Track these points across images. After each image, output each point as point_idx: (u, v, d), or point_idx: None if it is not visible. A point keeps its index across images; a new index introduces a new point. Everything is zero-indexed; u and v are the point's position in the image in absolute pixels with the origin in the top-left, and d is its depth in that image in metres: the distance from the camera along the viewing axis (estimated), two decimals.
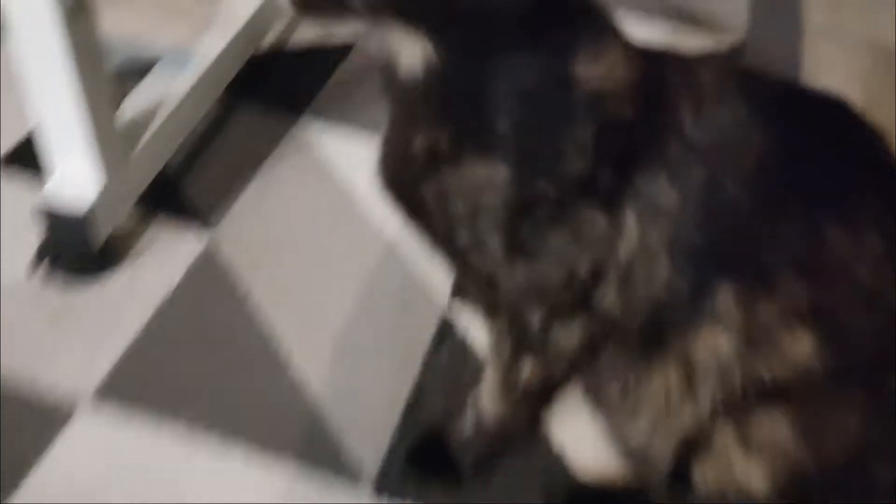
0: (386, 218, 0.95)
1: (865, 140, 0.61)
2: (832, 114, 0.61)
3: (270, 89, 1.11)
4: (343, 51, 1.18)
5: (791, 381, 0.58)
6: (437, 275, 0.89)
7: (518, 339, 0.64)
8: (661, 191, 0.56)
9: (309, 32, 1.21)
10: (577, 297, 0.59)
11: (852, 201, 0.57)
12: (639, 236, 0.56)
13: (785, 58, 1.25)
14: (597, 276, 0.58)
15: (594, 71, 0.54)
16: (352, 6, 0.50)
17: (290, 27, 1.21)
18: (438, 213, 0.58)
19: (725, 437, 0.60)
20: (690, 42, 1.25)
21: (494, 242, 0.57)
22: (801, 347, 0.57)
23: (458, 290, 0.87)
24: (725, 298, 0.57)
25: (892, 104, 1.20)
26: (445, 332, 0.86)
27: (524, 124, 0.54)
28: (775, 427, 0.59)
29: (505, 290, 0.60)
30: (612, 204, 0.56)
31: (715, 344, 0.58)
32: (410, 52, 0.53)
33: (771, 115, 0.58)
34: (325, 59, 1.17)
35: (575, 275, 0.58)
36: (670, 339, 0.59)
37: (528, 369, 0.65)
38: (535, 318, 0.61)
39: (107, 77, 0.79)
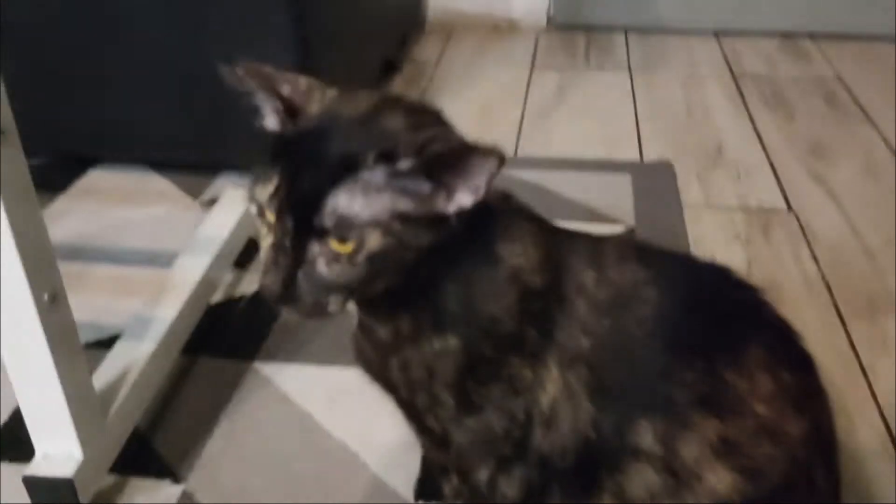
0: (347, 432, 1.04)
1: (746, 296, 0.72)
2: (717, 275, 0.73)
3: (224, 339, 1.22)
4: None
5: None
6: (401, 471, 0.97)
7: (469, 499, 0.73)
8: (576, 340, 0.67)
9: (254, 280, 1.34)
10: (516, 446, 0.68)
11: (741, 348, 0.67)
12: (562, 381, 0.67)
13: (672, 235, 1.42)
14: (530, 420, 0.67)
15: (512, 250, 0.67)
16: None
17: (237, 280, 1.35)
18: (402, 381, 0.69)
19: None
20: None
21: (447, 399, 0.68)
22: (720, 481, 0.65)
23: (421, 491, 0.95)
24: (647, 435, 0.65)
25: (769, 259, 1.38)
26: None
27: (468, 301, 0.66)
28: None
29: (457, 446, 0.70)
30: (536, 357, 0.67)
31: (645, 479, 0.66)
32: None
33: (665, 278, 0.69)
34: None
35: (515, 420, 0.67)
36: (604, 478, 0.67)
37: None
38: (482, 475, 0.71)
39: (82, 357, 0.89)
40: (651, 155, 1.73)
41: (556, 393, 0.67)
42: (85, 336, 0.91)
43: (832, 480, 0.71)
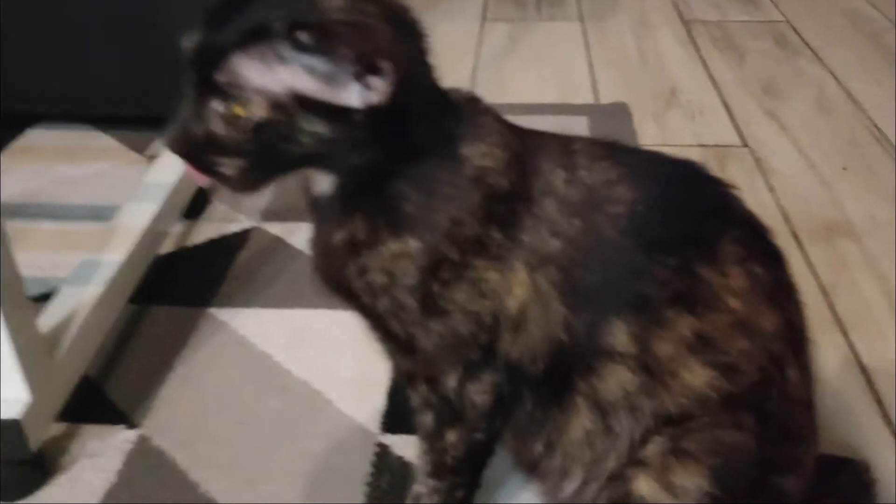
0: (309, 370, 1.02)
1: (716, 191, 0.70)
2: (688, 171, 0.71)
3: (176, 287, 1.18)
4: (240, 239, 1.28)
5: (691, 409, 0.64)
6: (366, 405, 0.94)
7: (439, 407, 0.70)
8: (545, 242, 0.65)
9: (207, 230, 1.30)
10: (484, 351, 0.66)
11: (713, 243, 0.65)
12: (530, 284, 0.64)
13: None
14: (498, 324, 0.65)
15: (477, 150, 0.65)
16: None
17: (188, 228, 1.30)
18: (362, 288, 0.66)
19: (648, 472, 0.66)
20: None
21: (411, 303, 0.65)
22: (696, 377, 0.64)
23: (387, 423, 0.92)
24: (621, 335, 0.64)
25: None
26: (382, 458, 0.90)
27: (428, 203, 0.64)
28: (687, 456, 0.65)
29: (423, 350, 0.67)
30: (502, 259, 0.64)
31: (620, 379, 0.65)
32: (324, 180, 0.65)
33: (636, 175, 0.67)
34: (224, 251, 1.25)
35: (481, 324, 0.65)
36: (577, 382, 0.66)
37: (452, 436, 0.71)
38: (450, 381, 0.68)
39: (26, 301, 0.85)
40: (606, 100, 1.72)
41: (524, 296, 0.65)
42: (29, 290, 0.87)
43: (805, 376, 0.70)
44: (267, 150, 0.60)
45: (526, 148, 0.67)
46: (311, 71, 0.57)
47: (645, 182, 0.67)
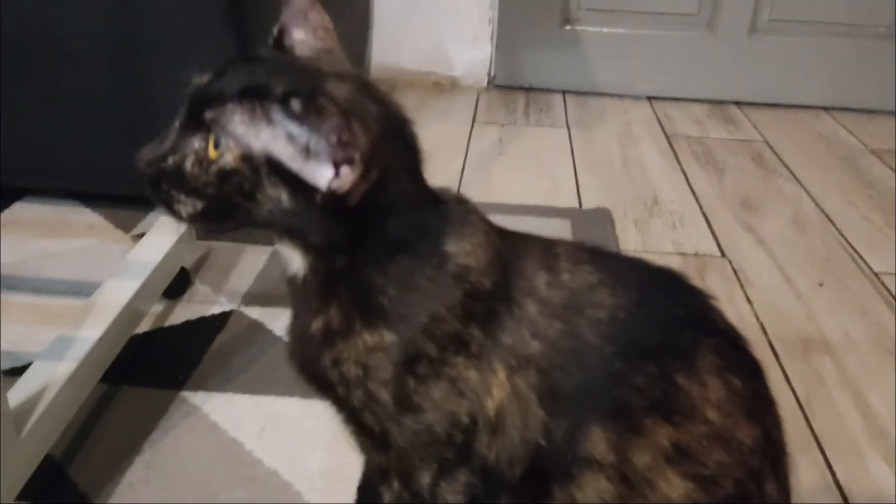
0: (280, 460, 0.99)
1: (696, 301, 0.71)
2: (669, 279, 0.72)
3: (150, 368, 1.16)
4: (219, 322, 1.27)
5: None
6: (337, 498, 0.92)
7: None
8: (525, 343, 0.65)
9: (186, 311, 1.29)
10: (459, 450, 0.65)
11: (693, 353, 0.65)
12: (509, 386, 0.64)
13: None
14: (475, 424, 0.64)
15: (461, 249, 0.65)
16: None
17: (168, 308, 1.29)
18: (336, 379, 0.65)
19: None
20: None
21: (385, 398, 0.64)
22: (673, 489, 0.63)
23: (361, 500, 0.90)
24: (599, 442, 0.63)
25: None
26: None
27: (404, 297, 0.64)
28: None
29: (397, 447, 0.66)
30: (481, 358, 0.64)
31: (598, 488, 0.63)
32: (296, 259, 0.66)
33: (618, 281, 0.68)
34: (202, 333, 1.24)
35: (458, 424, 0.64)
36: (555, 490, 0.65)
37: None
38: (424, 479, 0.67)
39: None
40: (589, 204, 1.75)
41: (503, 398, 0.65)
42: (1, 364, 0.85)
43: (783, 491, 0.69)
44: (225, 200, 0.62)
45: (509, 249, 0.68)
46: (290, 138, 0.59)
47: (626, 288, 0.68)
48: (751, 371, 0.69)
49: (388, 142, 0.62)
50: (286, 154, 0.59)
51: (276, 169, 0.60)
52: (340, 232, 0.63)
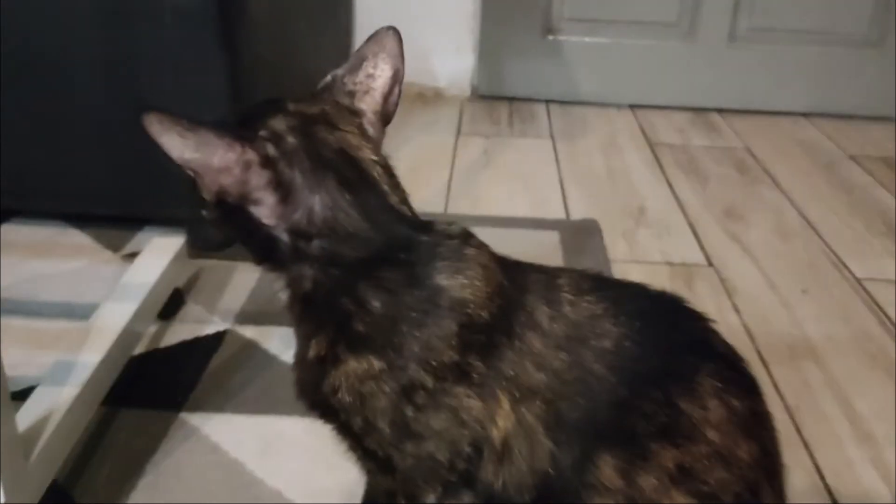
0: (282, 480, 1.00)
1: (696, 326, 0.73)
2: (669, 305, 0.74)
3: (148, 390, 1.17)
4: (214, 342, 1.27)
5: None
6: None
7: None
8: (530, 375, 0.66)
9: (180, 332, 1.30)
10: (462, 476, 0.67)
11: (693, 377, 0.68)
12: (514, 416, 0.66)
13: None
14: (479, 453, 0.66)
15: (455, 282, 0.67)
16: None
17: (162, 329, 1.30)
18: (337, 404, 0.67)
19: None
20: None
21: (383, 426, 0.66)
22: None
23: None
24: (607, 469, 0.65)
25: None
26: None
27: (386, 325, 0.65)
28: None
29: (401, 471, 0.68)
30: (483, 387, 0.66)
31: None
32: (276, 281, 0.70)
33: (621, 310, 0.69)
34: (197, 353, 1.25)
35: (459, 452, 0.66)
36: None
37: None
38: (429, 499, 0.68)
39: (8, 399, 0.83)
40: (576, 215, 1.78)
41: (508, 428, 0.66)
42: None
43: (779, 500, 0.72)
44: (223, 216, 0.67)
45: (511, 283, 0.70)
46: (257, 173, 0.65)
47: (629, 316, 0.70)
48: (748, 390, 0.72)
49: (338, 189, 0.67)
50: (252, 182, 0.65)
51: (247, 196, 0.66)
52: (255, 246, 0.68)
